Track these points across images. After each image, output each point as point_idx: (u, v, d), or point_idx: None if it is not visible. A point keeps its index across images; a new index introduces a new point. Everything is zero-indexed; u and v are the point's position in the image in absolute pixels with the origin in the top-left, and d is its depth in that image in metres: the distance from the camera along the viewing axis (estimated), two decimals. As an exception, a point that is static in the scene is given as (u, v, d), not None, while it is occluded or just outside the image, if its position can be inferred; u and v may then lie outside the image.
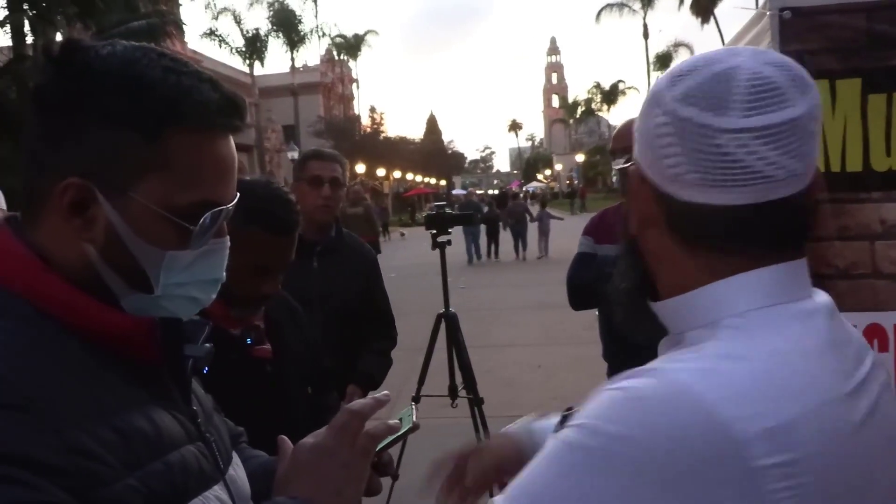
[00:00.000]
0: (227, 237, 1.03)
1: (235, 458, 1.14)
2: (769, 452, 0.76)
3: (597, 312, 3.44)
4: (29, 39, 17.91)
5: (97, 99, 0.90)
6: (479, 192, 54.20)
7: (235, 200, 1.01)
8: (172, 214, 0.93)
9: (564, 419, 1.01)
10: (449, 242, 4.20)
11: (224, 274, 1.04)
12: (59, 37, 16.52)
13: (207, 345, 1.07)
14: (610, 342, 3.29)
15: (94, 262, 0.94)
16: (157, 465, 0.89)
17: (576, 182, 72.76)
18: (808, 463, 0.78)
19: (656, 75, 61.57)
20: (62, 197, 0.91)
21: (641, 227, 0.96)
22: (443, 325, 4.27)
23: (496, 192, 38.74)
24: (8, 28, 17.57)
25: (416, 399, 4.17)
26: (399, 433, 1.09)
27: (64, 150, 0.91)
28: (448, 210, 4.30)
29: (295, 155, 32.90)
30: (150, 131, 0.91)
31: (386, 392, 1.12)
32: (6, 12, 17.38)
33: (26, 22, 17.69)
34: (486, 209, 22.18)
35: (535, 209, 24.89)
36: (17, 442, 0.77)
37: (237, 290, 1.80)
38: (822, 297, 0.94)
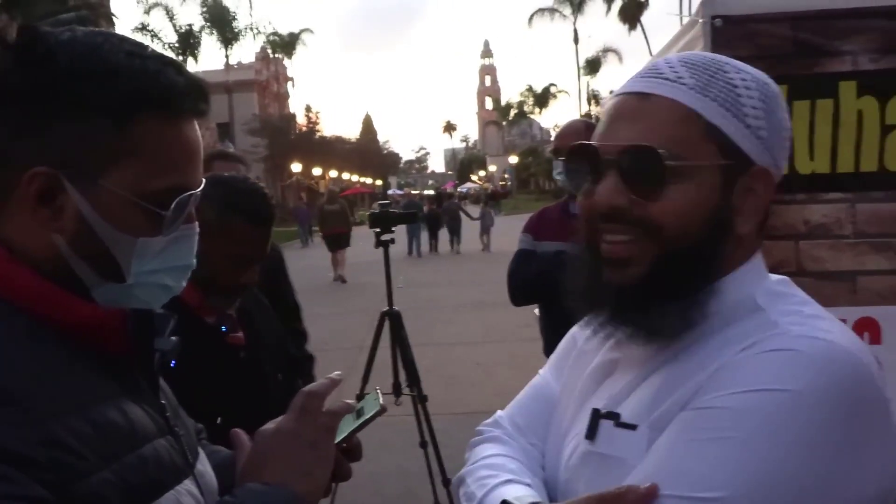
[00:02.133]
0: (197, 223, 1.02)
1: (201, 454, 1.13)
2: (883, 388, 0.92)
3: (537, 309, 3.52)
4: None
5: (63, 86, 0.88)
6: (414, 192, 54.18)
7: (202, 186, 1.00)
8: (143, 200, 0.92)
9: (606, 416, 1.03)
10: (392, 241, 4.23)
11: (194, 260, 1.03)
12: (-19, 29, 15.87)
13: (174, 338, 1.05)
14: (552, 338, 3.36)
15: (64, 253, 0.92)
16: (131, 458, 0.88)
17: (509, 183, 73.36)
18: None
19: (586, 80, 62.60)
20: (28, 187, 0.89)
21: (755, 224, 1.02)
22: (387, 324, 4.29)
23: (432, 192, 39.01)
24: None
25: (361, 397, 4.18)
26: (366, 417, 1.09)
27: (29, 139, 0.89)
28: (392, 209, 4.31)
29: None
30: (119, 117, 0.89)
31: (339, 372, 1.12)
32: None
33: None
34: (425, 208, 24.50)
35: (471, 209, 26.45)
36: None
37: (217, 280, 1.86)
38: None
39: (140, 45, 0.95)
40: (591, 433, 1.03)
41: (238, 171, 3.06)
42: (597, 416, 1.04)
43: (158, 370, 1.05)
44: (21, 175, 0.89)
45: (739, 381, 0.90)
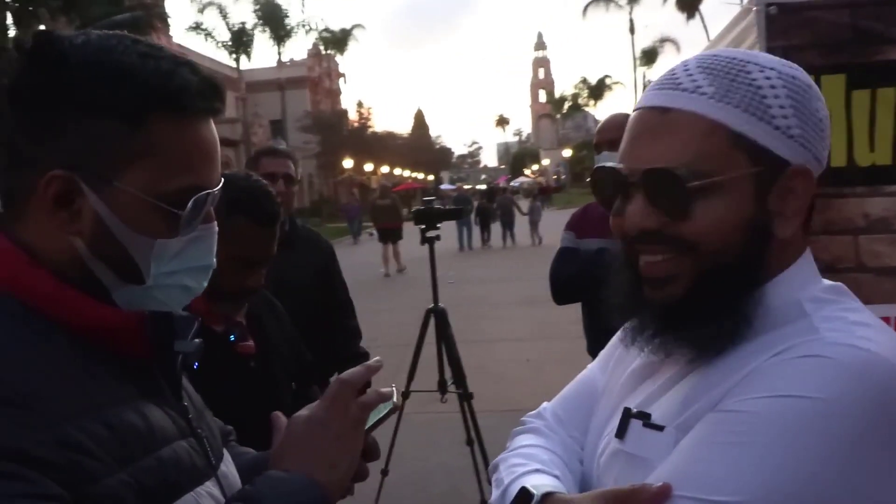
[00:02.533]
0: (215, 222, 1.02)
1: (226, 455, 1.13)
2: None
3: (581, 307, 3.46)
4: (12, 33, 17.76)
5: (76, 89, 0.89)
6: (466, 186, 54.29)
7: (221, 185, 1.00)
8: (160, 201, 0.92)
9: (637, 416, 1.03)
10: (438, 237, 4.21)
11: (214, 260, 1.03)
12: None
13: (197, 340, 1.06)
14: (595, 336, 3.31)
15: (83, 256, 0.93)
16: (148, 461, 0.88)
17: (563, 177, 72.91)
18: None
19: (642, 70, 61.79)
20: (46, 191, 0.89)
21: (797, 227, 0.98)
22: (432, 321, 4.27)
23: (484, 187, 39.34)
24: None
25: (406, 394, 4.18)
26: (381, 415, 1.07)
27: (45, 143, 0.90)
28: (437, 205, 4.29)
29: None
30: (132, 118, 0.90)
31: (378, 358, 1.09)
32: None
33: (9, 15, 17.52)
34: (476, 203, 25.40)
35: (523, 204, 27.58)
36: (9, 437, 0.77)
37: (222, 284, 1.78)
38: None
39: (154, 46, 0.95)
40: (621, 432, 1.04)
41: (288, 167, 3.07)
42: (628, 415, 1.04)
43: (181, 372, 1.05)
44: (39, 179, 0.89)
45: (766, 385, 0.87)
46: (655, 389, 1.04)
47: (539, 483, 1.03)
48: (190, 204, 0.94)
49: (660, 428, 0.98)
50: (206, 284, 1.03)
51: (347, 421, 1.02)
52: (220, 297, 1.78)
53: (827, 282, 1.02)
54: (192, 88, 0.93)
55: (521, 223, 24.29)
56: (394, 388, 1.10)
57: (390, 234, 17.82)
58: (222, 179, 1.01)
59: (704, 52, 1.01)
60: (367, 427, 1.06)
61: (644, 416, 1.02)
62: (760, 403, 0.86)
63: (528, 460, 1.12)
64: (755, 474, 0.83)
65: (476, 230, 23.70)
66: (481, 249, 23.31)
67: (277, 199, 1.90)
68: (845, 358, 0.86)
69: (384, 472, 4.12)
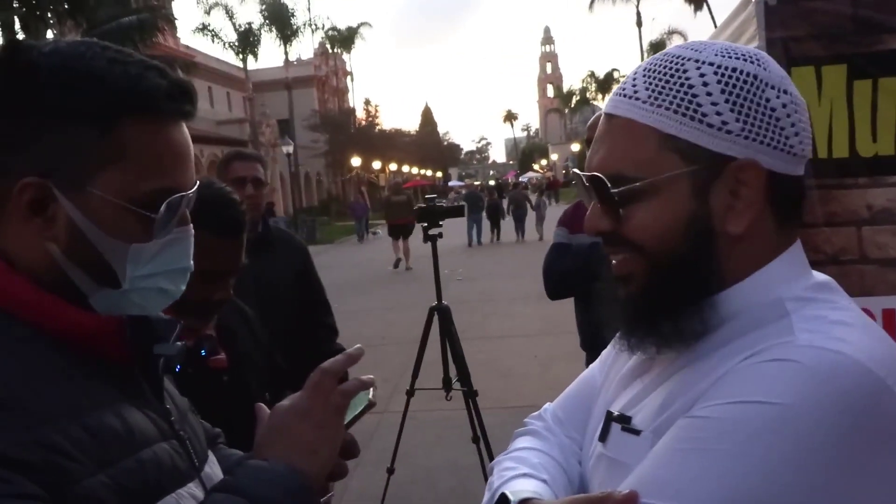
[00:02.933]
0: (191, 225, 1.02)
1: (211, 457, 1.13)
2: None
3: (574, 302, 3.47)
4: (20, 37, 17.87)
5: (45, 96, 0.89)
6: (475, 182, 54.29)
7: (196, 187, 1.00)
8: (133, 205, 0.93)
9: (617, 420, 1.02)
10: (440, 235, 4.20)
11: (191, 263, 1.03)
12: (49, 34, 16.46)
13: (179, 343, 1.06)
14: (587, 331, 3.33)
15: (59, 261, 0.93)
16: (129, 462, 0.88)
17: (572, 171, 72.71)
18: None
19: (651, 63, 61.33)
20: (20, 198, 0.90)
21: (750, 221, 0.95)
22: (436, 318, 4.26)
23: (492, 182, 39.52)
24: (-1, 26, 17.50)
25: (411, 392, 4.18)
26: (357, 411, 1.06)
27: (17, 150, 0.90)
28: (441, 202, 4.28)
29: (290, 149, 32.78)
30: (102, 123, 0.91)
31: (358, 346, 1.08)
32: (-3, 10, 17.30)
33: (17, 20, 17.61)
34: (485, 199, 25.41)
35: (533, 198, 27.88)
36: None
37: (188, 297, 1.72)
38: None
39: (123, 51, 0.96)
40: (604, 435, 1.05)
41: (257, 171, 3.06)
42: (609, 418, 1.04)
43: (163, 375, 1.06)
44: (12, 186, 0.90)
45: (733, 390, 0.86)
46: (640, 391, 1.04)
47: (519, 489, 1.03)
48: (163, 207, 0.95)
49: (637, 432, 0.98)
50: (183, 288, 1.04)
51: (328, 409, 1.01)
52: (187, 310, 1.68)
53: (818, 276, 1.00)
54: (162, 91, 0.94)
55: (530, 218, 24.38)
56: (371, 378, 1.09)
57: (402, 230, 18.12)
58: (197, 181, 1.01)
59: (659, 53, 1.01)
60: (345, 422, 1.05)
61: (624, 420, 1.01)
62: (725, 409, 0.85)
63: (518, 464, 1.12)
64: (719, 483, 0.81)
65: (486, 225, 23.83)
66: (490, 245, 23.33)
67: (242, 205, 1.82)
68: (812, 361, 0.83)
69: (390, 471, 4.12)
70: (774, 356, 0.86)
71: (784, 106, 0.93)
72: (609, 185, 0.95)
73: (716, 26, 3.80)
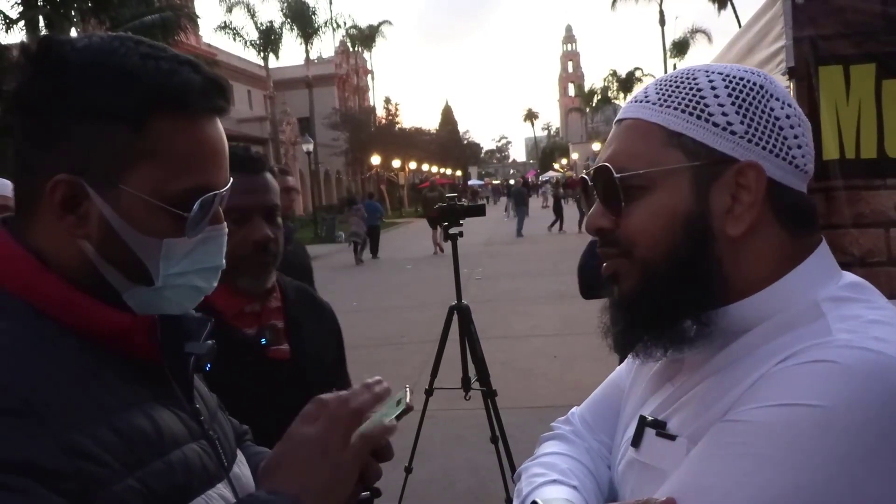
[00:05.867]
0: (225, 224, 1.01)
1: (240, 456, 1.13)
2: None
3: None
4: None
5: (77, 93, 0.89)
6: (495, 181, 54.35)
7: (230, 184, 0.99)
8: (165, 203, 0.92)
9: (653, 425, 1.01)
10: (461, 234, 4.18)
11: (224, 261, 1.02)
12: (73, 32, 16.62)
13: (210, 342, 1.05)
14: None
15: (92, 259, 0.93)
16: (158, 465, 0.88)
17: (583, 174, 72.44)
18: None
19: (673, 63, 61.04)
20: (52, 195, 0.90)
21: (749, 225, 0.94)
22: (455, 317, 4.24)
23: (511, 181, 40.24)
24: (23, 24, 17.70)
25: (430, 391, 4.17)
26: (394, 415, 1.02)
27: (50, 147, 0.90)
28: (462, 201, 4.26)
29: (310, 147, 32.87)
30: (134, 120, 0.89)
31: (385, 385, 1.03)
32: (21, 9, 17.51)
33: (41, 18, 17.81)
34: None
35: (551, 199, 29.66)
36: (14, 448, 0.76)
37: (229, 249, 1.73)
38: None
39: (158, 47, 0.94)
40: (637, 440, 1.03)
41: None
42: (643, 423, 1.03)
43: (193, 374, 1.05)
44: (45, 183, 0.90)
45: (772, 394, 0.85)
46: (671, 395, 1.03)
47: (550, 497, 1.03)
48: (196, 205, 0.93)
49: (672, 437, 0.97)
50: (215, 284, 1.02)
51: (346, 452, 0.95)
52: (239, 272, 1.70)
53: (849, 277, 0.99)
54: (195, 87, 0.92)
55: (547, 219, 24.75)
56: (407, 389, 1.06)
57: (436, 221, 19.57)
58: (230, 178, 1.00)
59: (672, 71, 1.04)
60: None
61: (659, 425, 1.00)
62: (766, 413, 0.84)
63: (548, 470, 1.11)
64: (760, 487, 0.81)
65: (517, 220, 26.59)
66: (511, 243, 23.71)
67: (258, 151, 1.89)
68: (853, 362, 0.82)
69: (408, 470, 4.11)
70: (813, 357, 0.85)
71: (788, 117, 0.95)
72: (612, 172, 0.97)
73: (740, 25, 3.75)
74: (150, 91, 0.90)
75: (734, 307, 0.95)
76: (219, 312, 1.73)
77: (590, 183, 1.01)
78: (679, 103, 0.95)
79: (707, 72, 0.97)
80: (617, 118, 1.03)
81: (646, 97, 0.99)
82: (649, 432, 1.01)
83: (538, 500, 1.02)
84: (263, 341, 1.78)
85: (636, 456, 1.03)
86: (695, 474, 0.87)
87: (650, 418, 1.02)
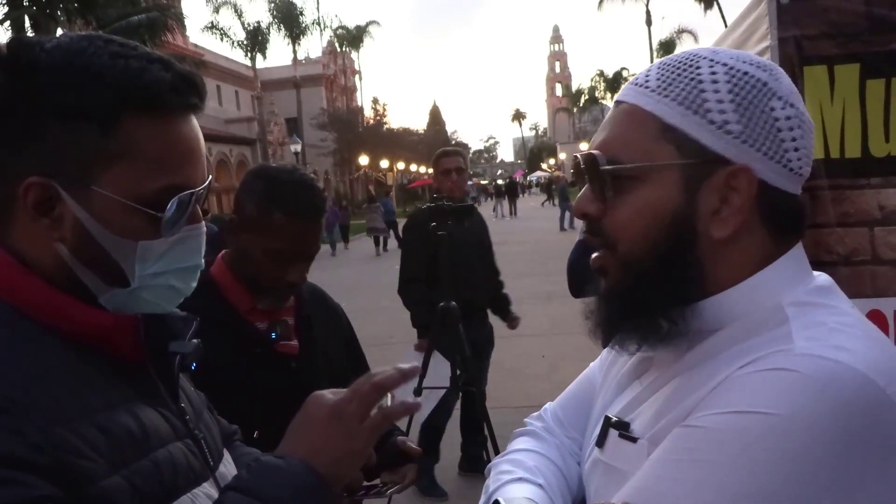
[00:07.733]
0: (203, 223, 1.00)
1: (227, 456, 1.13)
2: None
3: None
4: (30, 35, 17.95)
5: (47, 94, 0.87)
6: (483, 182, 54.43)
7: (208, 182, 0.97)
8: (139, 203, 0.90)
9: (617, 426, 1.00)
10: (450, 235, 4.16)
11: (202, 261, 1.01)
12: (59, 32, 16.52)
13: (195, 340, 1.05)
14: None
15: (68, 261, 0.92)
16: (143, 463, 0.88)
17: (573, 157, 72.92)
18: None
19: (660, 62, 61.15)
20: (25, 198, 0.89)
21: (735, 228, 0.93)
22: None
23: (501, 182, 40.42)
24: (8, 25, 17.58)
25: (418, 391, 4.17)
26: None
27: (21, 150, 0.89)
28: (447, 202, 4.24)
29: (298, 148, 32.81)
30: (104, 120, 0.88)
31: (415, 363, 1.02)
32: (6, 9, 17.39)
33: (27, 18, 17.70)
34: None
35: (540, 198, 29.68)
36: (1, 443, 0.76)
37: (262, 279, 1.75)
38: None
39: (128, 45, 0.93)
40: (601, 441, 1.02)
41: (458, 162, 4.44)
42: (608, 423, 1.02)
43: (178, 373, 1.05)
44: (18, 186, 0.89)
45: (730, 399, 0.84)
46: (637, 395, 1.02)
47: (514, 496, 1.02)
48: (172, 205, 0.92)
49: (634, 440, 0.96)
50: (194, 285, 1.01)
51: (365, 425, 0.95)
52: (260, 291, 1.78)
53: (817, 278, 0.97)
54: (165, 85, 0.91)
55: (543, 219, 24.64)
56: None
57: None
58: (209, 175, 0.99)
59: (676, 53, 1.00)
60: None
61: (622, 426, 0.99)
62: (721, 419, 0.83)
63: (515, 467, 1.10)
64: (714, 493, 0.80)
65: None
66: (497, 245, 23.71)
67: (323, 193, 1.85)
68: (811, 371, 0.81)
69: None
70: (773, 365, 0.83)
71: (788, 118, 0.92)
72: (599, 162, 0.95)
73: (726, 25, 3.77)
74: (119, 91, 0.88)
75: (706, 304, 0.93)
76: (233, 307, 1.80)
77: (582, 166, 0.99)
78: (678, 94, 0.92)
79: (712, 60, 0.93)
80: (616, 98, 1.00)
81: (646, 81, 0.96)
82: (613, 433, 1.00)
83: (500, 500, 1.01)
84: (273, 335, 1.82)
85: (600, 456, 1.02)
86: (651, 479, 0.86)
87: (615, 419, 1.01)
